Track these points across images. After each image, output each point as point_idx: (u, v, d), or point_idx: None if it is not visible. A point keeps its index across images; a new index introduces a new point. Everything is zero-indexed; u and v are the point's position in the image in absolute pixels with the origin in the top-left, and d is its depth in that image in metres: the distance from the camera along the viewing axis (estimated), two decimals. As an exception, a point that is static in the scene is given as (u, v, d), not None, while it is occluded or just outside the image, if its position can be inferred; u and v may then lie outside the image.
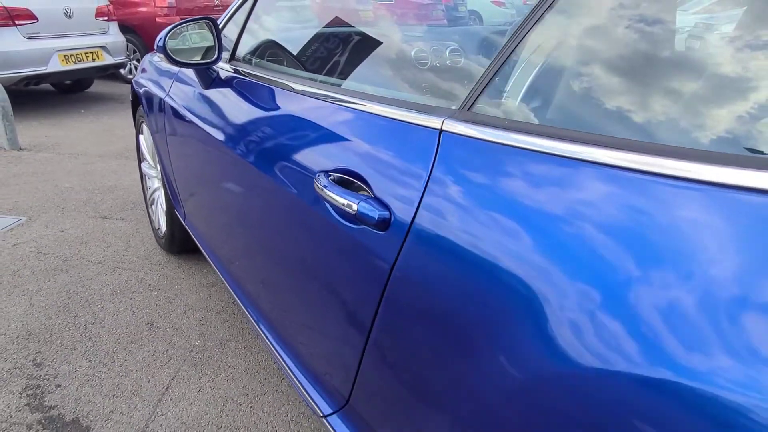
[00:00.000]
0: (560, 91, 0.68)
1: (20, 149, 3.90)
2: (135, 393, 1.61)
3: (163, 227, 2.33)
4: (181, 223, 2.09)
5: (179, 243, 2.29)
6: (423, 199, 0.72)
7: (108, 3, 5.56)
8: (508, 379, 0.58)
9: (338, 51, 1.25)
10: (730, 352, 0.42)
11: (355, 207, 0.80)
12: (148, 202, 2.53)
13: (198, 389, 1.63)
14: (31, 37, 4.68)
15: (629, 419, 0.46)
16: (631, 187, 0.53)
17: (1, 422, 1.48)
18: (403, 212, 0.75)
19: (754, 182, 0.45)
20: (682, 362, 0.43)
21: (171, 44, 1.50)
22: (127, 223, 2.73)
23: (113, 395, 1.60)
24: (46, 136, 4.29)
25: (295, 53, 1.41)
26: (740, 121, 0.53)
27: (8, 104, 3.77)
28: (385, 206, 0.78)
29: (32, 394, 1.59)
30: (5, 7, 4.50)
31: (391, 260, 0.76)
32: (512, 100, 0.71)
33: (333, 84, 1.15)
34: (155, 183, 2.41)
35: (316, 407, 1.09)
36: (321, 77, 1.22)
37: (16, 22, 4.57)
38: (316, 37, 1.37)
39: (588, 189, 0.57)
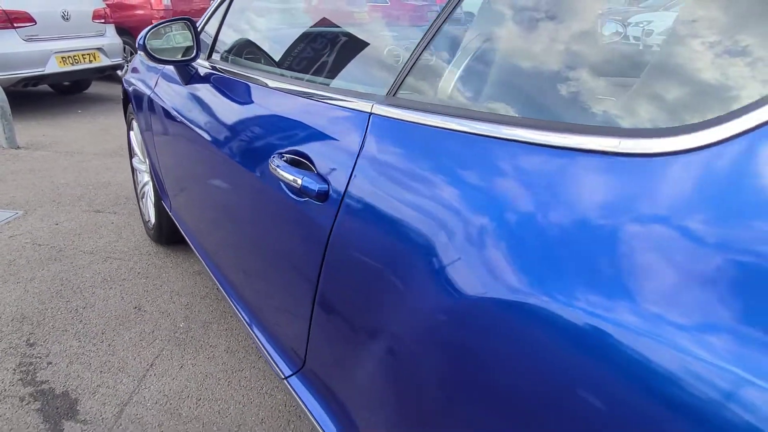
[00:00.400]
0: (464, 78, 0.79)
1: (18, 148, 4.02)
2: (121, 369, 1.72)
3: (153, 219, 2.45)
4: (168, 214, 2.20)
5: (167, 234, 2.40)
6: (354, 172, 0.84)
7: (105, 6, 5.69)
8: (426, 315, 0.69)
9: (297, 49, 1.36)
10: (592, 284, 0.51)
11: (299, 182, 0.91)
12: (139, 196, 2.65)
13: (180, 366, 1.75)
14: (29, 39, 4.80)
15: (517, 342, 0.56)
16: (516, 152, 0.64)
17: (-4, 395, 1.59)
18: (338, 184, 0.86)
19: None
20: (554, 291, 0.54)
21: (154, 43, 1.61)
22: (119, 217, 2.84)
23: (101, 371, 1.71)
24: (43, 135, 4.41)
25: (263, 51, 1.52)
26: (605, 101, 0.64)
27: (6, 104, 3.89)
28: (324, 180, 0.89)
29: (25, 371, 1.70)
30: (4, 10, 4.62)
31: (329, 227, 0.87)
32: (427, 86, 0.83)
33: (293, 77, 1.26)
34: (145, 177, 2.52)
35: (278, 370, 1.20)
36: (284, 72, 1.34)
37: (15, 24, 4.69)
38: (281, 37, 1.48)
39: (480, 156, 0.68)
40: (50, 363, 1.74)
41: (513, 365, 0.55)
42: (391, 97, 0.85)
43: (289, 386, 1.18)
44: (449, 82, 0.81)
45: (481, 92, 0.77)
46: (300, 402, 1.13)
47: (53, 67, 4.94)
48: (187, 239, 1.88)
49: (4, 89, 4.09)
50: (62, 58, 5.04)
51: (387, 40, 1.13)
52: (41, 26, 4.88)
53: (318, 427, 1.05)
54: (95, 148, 4.10)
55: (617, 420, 0.45)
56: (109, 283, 2.21)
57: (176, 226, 2.11)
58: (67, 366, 1.73)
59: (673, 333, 0.43)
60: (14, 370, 1.70)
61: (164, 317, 2.00)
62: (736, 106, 0.48)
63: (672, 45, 0.59)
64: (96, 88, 6.45)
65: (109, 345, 1.84)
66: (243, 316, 1.36)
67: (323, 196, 0.88)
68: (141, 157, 2.53)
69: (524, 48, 0.74)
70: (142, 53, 1.53)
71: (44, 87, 6.09)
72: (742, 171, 0.45)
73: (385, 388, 0.79)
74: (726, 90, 0.50)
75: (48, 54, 4.90)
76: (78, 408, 1.56)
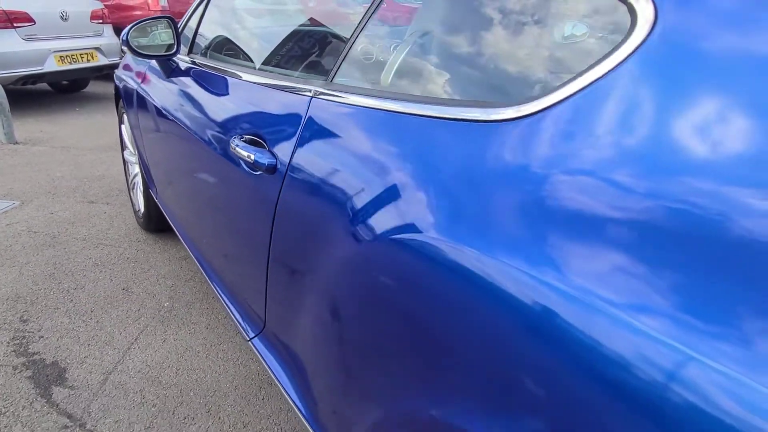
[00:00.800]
0: (377, 66, 0.93)
1: (16, 143, 4.15)
2: (107, 343, 1.85)
3: (142, 208, 2.58)
4: (156, 202, 2.33)
5: (155, 221, 2.54)
6: (296, 147, 0.97)
7: (102, 6, 5.83)
8: (351, 267, 0.81)
9: (260, 44, 1.50)
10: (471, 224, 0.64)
11: (252, 157, 1.04)
12: (130, 187, 2.78)
13: (163, 340, 1.88)
14: (28, 39, 4.94)
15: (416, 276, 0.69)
16: (419, 123, 0.77)
17: (-9, 363, 1.72)
18: (284, 157, 0.99)
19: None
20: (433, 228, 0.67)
21: (138, 39, 1.75)
22: (111, 207, 2.98)
23: (88, 344, 1.84)
24: (41, 131, 4.54)
25: (233, 46, 1.65)
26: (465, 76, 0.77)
27: (5, 101, 4.03)
28: (273, 155, 1.02)
29: (18, 344, 1.83)
30: (4, 11, 4.76)
31: (277, 195, 1.00)
32: (355, 73, 0.96)
33: (256, 69, 1.39)
34: (135, 169, 2.65)
35: (244, 333, 1.33)
36: (249, 65, 1.47)
37: (15, 24, 4.83)
38: (247, 34, 1.61)
39: (391, 128, 0.81)
40: (42, 337, 1.87)
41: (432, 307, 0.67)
42: (329, 83, 0.99)
43: (254, 348, 1.31)
44: (372, 69, 0.94)
45: (393, 76, 0.90)
46: (262, 361, 1.26)
47: (52, 65, 5.08)
48: (171, 223, 2.01)
49: (4, 87, 4.23)
50: (60, 57, 5.18)
51: (331, 36, 1.26)
52: (40, 26, 5.02)
53: (279, 385, 1.18)
54: (91, 143, 4.23)
55: (505, 349, 0.57)
56: (100, 267, 2.34)
57: (163, 214, 2.24)
58: (58, 340, 1.86)
59: (531, 262, 0.55)
60: (8, 343, 1.83)
61: (150, 297, 2.13)
62: (556, 83, 0.61)
63: (503, 41, 0.73)
64: (94, 87, 6.58)
65: (97, 322, 1.97)
66: (216, 287, 1.49)
67: (272, 168, 1.01)
68: (131, 149, 2.66)
69: (420, 43, 0.88)
70: (125, 48, 1.66)
71: (43, 86, 6.23)
72: (559, 131, 0.58)
73: (326, 341, 0.92)
74: (545, 75, 0.64)
75: (46, 53, 5.04)
76: (66, 376, 1.69)
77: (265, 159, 1.02)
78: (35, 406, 1.56)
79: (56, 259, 2.40)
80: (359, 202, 0.79)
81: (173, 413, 1.56)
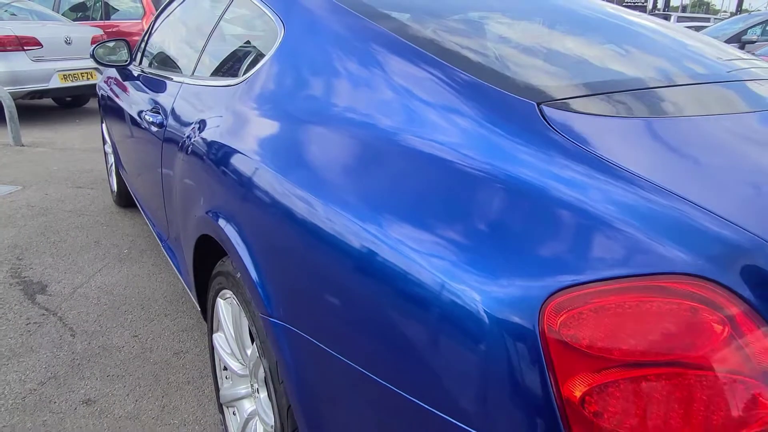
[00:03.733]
0: (194, 63, 1.66)
1: (22, 145, 4.92)
2: (78, 272, 2.56)
3: (115, 188, 3.31)
4: (125, 183, 3.05)
5: (125, 198, 3.26)
6: (170, 109, 1.69)
7: (102, 33, 6.66)
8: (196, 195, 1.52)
9: (169, 53, 2.23)
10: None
11: (149, 118, 1.77)
12: (108, 173, 3.52)
13: (119, 271, 2.58)
14: (36, 60, 5.75)
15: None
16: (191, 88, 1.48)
17: (-6, 281, 2.43)
18: (164, 117, 1.71)
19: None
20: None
21: (112, 57, 2.50)
22: (95, 191, 3.71)
23: (64, 272, 2.55)
24: (44, 137, 5.32)
25: (158, 56, 2.38)
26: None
27: (14, 110, 4.81)
28: (164, 117, 1.74)
29: (14, 272, 2.54)
30: (16, 36, 5.59)
31: (161, 143, 1.72)
32: (200, 68, 1.69)
33: (167, 70, 2.12)
34: (111, 159, 3.39)
35: (161, 242, 2.03)
36: (162, 67, 2.20)
37: (25, 47, 5.65)
38: (163, 47, 2.35)
39: (189, 92, 1.52)
40: (31, 268, 2.58)
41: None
42: (189, 74, 1.72)
43: (163, 250, 2.02)
44: (190, 65, 1.68)
45: (197, 68, 1.63)
46: (170, 261, 1.96)
47: (56, 82, 5.88)
48: (130, 190, 2.74)
49: (14, 100, 5.01)
50: (64, 75, 5.98)
51: (190, 48, 1.99)
52: (47, 49, 5.84)
53: (174, 268, 1.88)
54: (85, 146, 5.00)
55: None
56: (80, 229, 3.06)
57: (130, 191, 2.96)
58: (42, 270, 2.57)
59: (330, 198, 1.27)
60: (6, 271, 2.54)
61: (114, 247, 2.84)
62: (251, 65, 1.33)
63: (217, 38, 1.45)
64: (93, 103, 7.39)
65: (73, 260, 2.68)
66: (149, 223, 2.21)
67: (160, 124, 1.73)
68: (110, 143, 3.40)
69: (208, 50, 1.61)
70: (92, 59, 2.41)
71: (49, 101, 7.05)
72: (251, 95, 1.30)
73: (184, 232, 1.61)
74: (247, 61, 1.36)
75: (51, 72, 5.85)
76: (47, 289, 2.39)
77: (156, 119, 1.74)
78: (24, 304, 2.26)
79: (47, 223, 3.12)
80: (194, 134, 1.51)
81: (118, 309, 2.25)
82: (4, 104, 4.84)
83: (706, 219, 0.68)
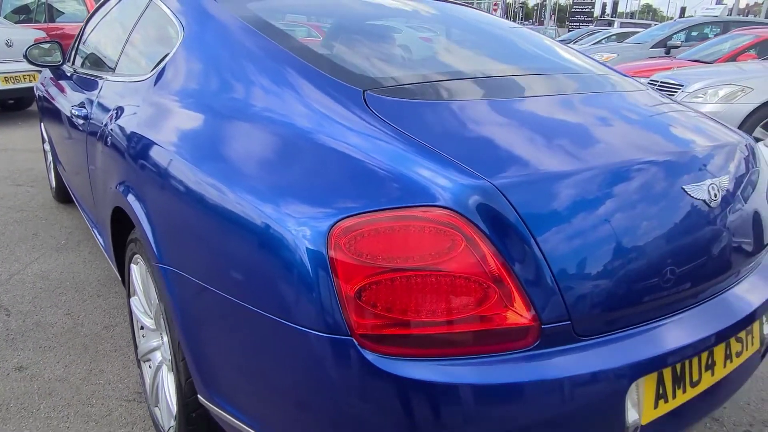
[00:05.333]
0: (115, 61, 1.87)
1: (-38, 147, 4.94)
2: (16, 260, 2.70)
3: (54, 184, 3.44)
4: (62, 178, 3.19)
5: (63, 193, 3.39)
6: (94, 104, 1.89)
7: (45, 35, 6.67)
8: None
9: (94, 54, 2.41)
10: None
11: (75, 112, 1.96)
12: (48, 170, 3.64)
13: (55, 260, 2.73)
14: (-24, 62, 5.74)
15: None
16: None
17: (-69, 270, 2.55)
18: (88, 111, 1.91)
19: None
20: None
21: (47, 58, 2.65)
22: (35, 188, 3.82)
23: (2, 261, 2.68)
24: (-15, 139, 5.34)
25: (85, 56, 2.56)
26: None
27: (-47, 112, 4.83)
28: (89, 110, 1.93)
29: (-48, 262, 2.66)
30: (-46, 38, 5.57)
31: (86, 130, 1.91)
32: (121, 66, 1.90)
33: (93, 69, 2.30)
34: (50, 156, 3.51)
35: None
36: (89, 66, 2.38)
37: (-36, 50, 5.64)
38: (89, 49, 2.53)
39: (112, 88, 1.73)
40: (-31, 258, 2.71)
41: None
42: (111, 72, 1.92)
43: (94, 235, 2.20)
44: (112, 62, 1.89)
45: (117, 66, 1.84)
46: (91, 232, 2.15)
47: (-3, 85, 5.88)
48: (65, 183, 2.89)
49: (-48, 101, 5.02)
50: (5, 78, 5.99)
51: (113, 50, 2.19)
52: (-13, 51, 5.84)
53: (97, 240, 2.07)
54: (26, 147, 5.06)
55: None
56: (19, 222, 3.19)
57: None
58: (-20, 260, 2.70)
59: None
60: (-56, 261, 2.67)
61: (52, 238, 2.99)
62: (156, 63, 1.56)
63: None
64: (36, 105, 7.36)
65: (11, 251, 2.81)
66: (82, 211, 2.38)
67: (85, 117, 1.93)
68: (48, 141, 3.53)
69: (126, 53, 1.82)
70: (25, 59, 2.56)
71: (-9, 104, 7.00)
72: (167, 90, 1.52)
73: (103, 203, 1.81)
74: (151, 58, 1.58)
75: (-8, 74, 5.85)
76: (-16, 276, 2.53)
77: (82, 111, 1.94)
78: (-40, 290, 2.40)
79: (-15, 218, 3.23)
80: (110, 122, 1.71)
81: (53, 291, 2.42)
82: (-58, 106, 4.85)
83: (456, 169, 0.95)
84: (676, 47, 8.86)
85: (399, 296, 0.88)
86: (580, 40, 14.56)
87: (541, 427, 0.91)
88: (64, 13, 8.25)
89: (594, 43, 13.01)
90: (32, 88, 6.30)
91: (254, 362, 1.02)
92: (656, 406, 1.03)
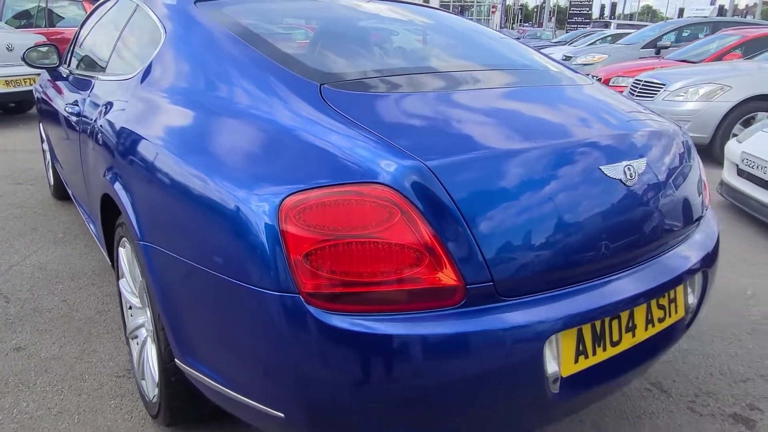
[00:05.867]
0: (105, 63, 2.01)
1: (-36, 148, 5.10)
2: (15, 252, 2.84)
3: (52, 182, 3.58)
4: (59, 175, 3.33)
5: (61, 190, 3.53)
6: (85, 102, 2.03)
7: (45, 39, 6.83)
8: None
9: (87, 57, 2.56)
10: None
11: (69, 110, 2.10)
12: (47, 168, 3.78)
13: (52, 252, 2.87)
14: (-22, 66, 5.90)
15: None
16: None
17: (-65, 262, 2.69)
18: (81, 108, 2.05)
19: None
20: None
21: (45, 60, 2.80)
22: (34, 186, 3.97)
23: (2, 254, 2.82)
24: (-14, 141, 5.49)
25: (87, 57, 2.70)
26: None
27: (-45, 114, 4.98)
28: (80, 108, 2.08)
29: (-46, 254, 2.81)
30: (-43, 43, 5.73)
31: (79, 128, 2.05)
32: (111, 66, 2.04)
33: (85, 70, 2.44)
34: (48, 156, 3.65)
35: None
36: (83, 68, 2.52)
37: (-34, 54, 5.80)
38: (83, 52, 2.67)
39: (105, 87, 1.87)
40: (-29, 251, 2.85)
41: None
42: (102, 71, 2.06)
43: (87, 225, 2.34)
44: (102, 64, 2.03)
45: (108, 66, 1.99)
46: (92, 233, 2.29)
47: (-2, 88, 6.04)
48: (62, 180, 3.03)
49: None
50: (6, 81, 6.14)
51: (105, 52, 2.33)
52: (-12, 56, 6.00)
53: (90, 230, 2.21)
54: (26, 148, 5.21)
55: None
56: (19, 218, 3.33)
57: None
58: (-18, 252, 2.84)
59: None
60: (-52, 254, 2.81)
61: (50, 232, 3.13)
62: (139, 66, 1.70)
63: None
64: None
65: (10, 244, 2.96)
66: (77, 205, 2.52)
67: (78, 114, 2.07)
68: (46, 140, 3.67)
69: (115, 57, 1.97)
70: (23, 61, 2.71)
71: (-8, 107, 7.15)
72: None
73: (94, 199, 1.95)
74: (138, 59, 1.72)
75: (-6, 78, 6.00)
76: (-15, 267, 2.68)
77: (75, 110, 2.08)
78: (-37, 279, 2.55)
79: (-13, 214, 3.38)
80: (99, 117, 1.85)
81: (50, 281, 2.56)
82: (-55, 108, 5.00)
83: (394, 152, 1.08)
84: (666, 48, 8.99)
85: (341, 260, 1.01)
86: (576, 41, 14.71)
87: (468, 374, 1.04)
88: (64, 18, 8.40)
89: (589, 44, 13.16)
90: (32, 91, 6.47)
91: (221, 324, 1.16)
92: (576, 360, 1.16)
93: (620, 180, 1.22)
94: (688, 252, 1.40)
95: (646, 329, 1.29)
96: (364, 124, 1.16)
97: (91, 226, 2.30)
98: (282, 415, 1.10)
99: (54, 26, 8.27)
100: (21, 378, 1.87)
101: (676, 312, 1.37)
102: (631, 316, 1.25)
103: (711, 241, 1.48)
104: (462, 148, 1.13)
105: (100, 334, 2.13)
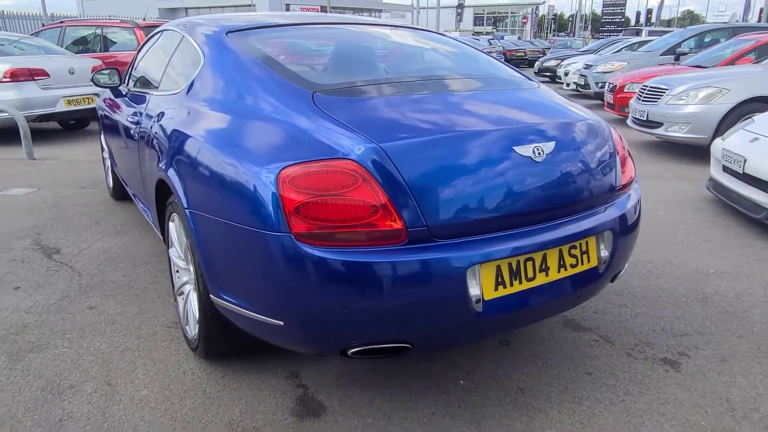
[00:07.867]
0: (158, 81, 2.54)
1: (34, 159, 5.83)
2: (83, 240, 3.42)
3: (111, 185, 4.19)
4: (119, 180, 3.92)
5: (119, 191, 4.13)
6: (144, 113, 2.57)
7: (101, 63, 7.61)
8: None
9: (143, 76, 3.11)
10: None
11: (131, 120, 2.65)
12: (106, 174, 4.40)
13: (114, 240, 3.44)
14: (45, 88, 6.68)
15: None
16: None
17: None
18: (140, 118, 2.59)
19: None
20: None
21: (107, 81, 3.39)
22: (96, 190, 4.60)
23: (73, 241, 3.41)
24: (52, 153, 6.23)
25: (143, 77, 3.26)
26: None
27: (28, 129, 5.72)
28: (139, 118, 2.62)
29: (35, 242, 3.40)
30: (28, 68, 6.53)
31: (138, 135, 2.60)
32: (163, 85, 2.57)
33: (141, 87, 2.99)
34: (108, 162, 4.27)
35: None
36: (140, 86, 3.08)
37: (35, 77, 6.59)
38: (140, 72, 3.22)
39: (158, 100, 2.40)
40: (48, 239, 3.45)
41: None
42: (156, 89, 2.60)
43: (141, 212, 2.89)
44: (155, 82, 2.57)
45: (161, 84, 2.52)
46: (146, 218, 2.83)
47: (61, 107, 6.81)
48: (121, 181, 3.61)
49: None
50: (68, 100, 6.91)
51: (157, 73, 2.87)
52: (53, 78, 6.78)
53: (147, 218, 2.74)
54: (87, 159, 5.90)
55: None
56: (83, 215, 3.94)
57: (123, 186, 3.83)
58: (56, 240, 3.44)
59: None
60: (30, 242, 3.41)
61: (111, 226, 3.71)
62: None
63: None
64: (93, 125, 8.32)
65: (79, 234, 3.55)
66: (137, 201, 3.08)
67: (137, 123, 2.62)
68: (106, 149, 4.29)
69: (167, 75, 2.49)
70: (92, 82, 3.30)
71: (54, 124, 7.98)
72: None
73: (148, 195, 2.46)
74: (184, 78, 2.24)
75: (57, 98, 6.78)
76: (60, 251, 3.26)
77: (135, 120, 2.63)
78: (44, 261, 3.13)
79: (57, 212, 4.00)
80: (155, 123, 2.38)
81: (112, 261, 3.12)
82: (19, 125, 5.75)
83: (360, 138, 1.54)
84: (684, 54, 9.17)
85: (320, 211, 1.48)
86: (602, 50, 14.89)
87: (410, 290, 1.49)
88: (116, 42, 9.23)
89: (615, 52, 13.35)
90: (90, 109, 7.23)
91: (239, 261, 1.64)
92: (496, 288, 1.59)
93: (530, 157, 1.65)
94: (597, 215, 1.80)
95: (559, 271, 1.70)
96: (341, 119, 1.63)
97: (147, 214, 2.84)
98: (281, 323, 1.56)
99: (108, 50, 9.11)
100: (95, 327, 2.40)
101: (588, 261, 1.78)
102: (545, 260, 1.66)
103: (622, 208, 1.88)
104: (409, 134, 1.58)
105: (154, 299, 2.66)
